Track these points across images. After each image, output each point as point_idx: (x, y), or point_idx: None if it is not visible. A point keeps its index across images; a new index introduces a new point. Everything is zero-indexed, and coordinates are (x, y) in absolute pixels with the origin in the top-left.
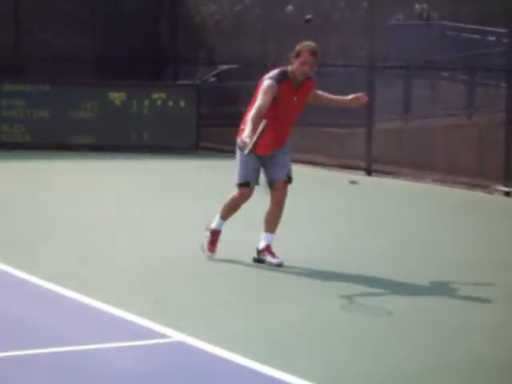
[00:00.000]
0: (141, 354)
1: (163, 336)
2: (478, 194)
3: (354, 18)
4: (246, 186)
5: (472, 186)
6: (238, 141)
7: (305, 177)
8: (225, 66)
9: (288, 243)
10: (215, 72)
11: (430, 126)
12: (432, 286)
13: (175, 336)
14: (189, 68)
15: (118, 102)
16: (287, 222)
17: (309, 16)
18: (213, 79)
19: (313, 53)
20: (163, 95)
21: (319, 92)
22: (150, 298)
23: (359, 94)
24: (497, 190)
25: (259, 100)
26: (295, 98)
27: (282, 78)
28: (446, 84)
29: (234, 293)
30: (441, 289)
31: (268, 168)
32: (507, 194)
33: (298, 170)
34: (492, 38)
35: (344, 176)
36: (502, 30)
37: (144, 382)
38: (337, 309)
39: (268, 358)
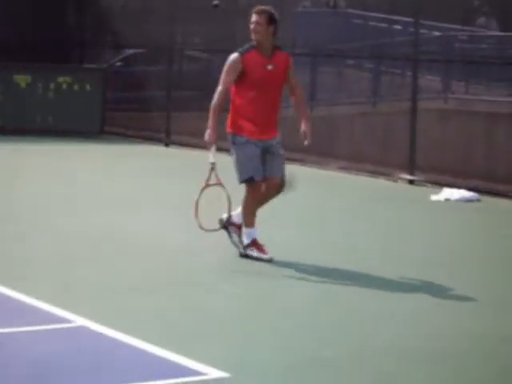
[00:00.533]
0: (42, 338)
1: (66, 321)
2: (383, 182)
3: (262, 4)
4: (252, 181)
5: (376, 174)
6: (233, 136)
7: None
8: (131, 51)
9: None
10: (122, 56)
11: (335, 114)
12: (340, 274)
13: (78, 321)
14: (95, 52)
15: (23, 85)
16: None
17: (216, 1)
18: (119, 63)
19: (257, 12)
20: (69, 79)
21: (293, 82)
22: (56, 284)
23: (304, 131)
24: (401, 179)
25: (219, 84)
26: (269, 67)
27: (246, 48)
28: (352, 72)
29: (145, 279)
30: (350, 276)
31: (265, 160)
32: (411, 182)
33: (202, 157)
34: (398, 27)
35: None
36: (409, 19)
37: (44, 365)
38: (246, 296)
39: (169, 343)
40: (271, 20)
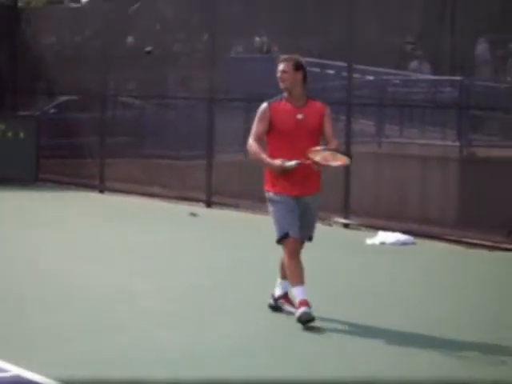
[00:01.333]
0: None
1: (1, 370)
2: (318, 226)
3: (195, 51)
4: (287, 237)
5: None
6: (268, 193)
7: (144, 209)
8: (65, 97)
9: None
10: (55, 103)
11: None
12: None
13: (13, 369)
14: (28, 99)
15: None
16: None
17: (149, 48)
18: (53, 110)
19: (283, 60)
20: (2, 126)
21: (329, 132)
22: None
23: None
24: (336, 222)
25: (250, 136)
26: (299, 116)
27: (276, 98)
28: None
29: (81, 326)
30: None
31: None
32: (346, 225)
33: (136, 202)
34: (331, 72)
35: (184, 208)
36: (342, 64)
37: None
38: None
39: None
40: (298, 66)
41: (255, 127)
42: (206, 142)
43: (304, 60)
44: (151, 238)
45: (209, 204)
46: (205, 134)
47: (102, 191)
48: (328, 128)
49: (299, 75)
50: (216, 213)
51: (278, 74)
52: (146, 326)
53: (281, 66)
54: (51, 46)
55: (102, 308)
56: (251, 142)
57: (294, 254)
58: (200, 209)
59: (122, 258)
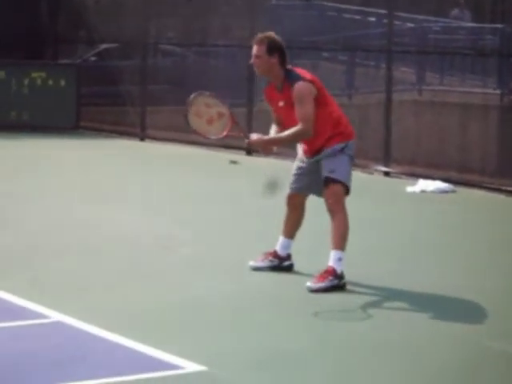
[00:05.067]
0: (18, 334)
1: (42, 316)
2: (359, 175)
3: None
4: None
5: (352, 166)
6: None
7: (185, 157)
8: (105, 45)
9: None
10: (95, 51)
11: None
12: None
13: (54, 316)
14: (69, 47)
15: None
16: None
17: None
18: (93, 58)
19: (256, 43)
20: (43, 74)
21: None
22: (28, 277)
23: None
24: (377, 171)
25: None
26: (281, 103)
27: (268, 81)
28: (327, 64)
29: (121, 273)
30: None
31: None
32: (387, 174)
33: (179, 150)
34: (372, 19)
35: (225, 156)
36: (382, 11)
37: (19, 360)
38: (210, 288)
39: (145, 338)
40: (272, 49)
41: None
42: (246, 90)
43: (279, 38)
44: (192, 186)
45: (249, 151)
46: (245, 81)
47: (142, 139)
48: (297, 111)
49: (274, 59)
50: (256, 160)
51: (252, 60)
52: (184, 274)
53: (253, 50)
54: None
55: (140, 255)
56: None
57: (289, 210)
58: (240, 156)
59: (162, 205)
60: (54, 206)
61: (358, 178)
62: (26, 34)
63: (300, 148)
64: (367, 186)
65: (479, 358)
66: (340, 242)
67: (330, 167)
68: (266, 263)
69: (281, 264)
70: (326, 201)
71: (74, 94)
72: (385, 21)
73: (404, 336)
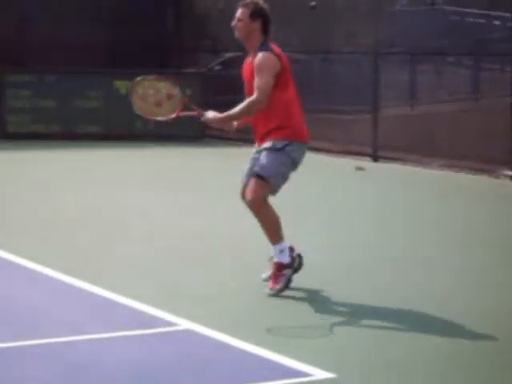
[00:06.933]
0: (149, 343)
1: (171, 324)
2: (485, 179)
3: (359, 4)
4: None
5: (478, 171)
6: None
7: (311, 164)
8: (229, 54)
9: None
10: (220, 60)
11: (435, 112)
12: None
13: (183, 324)
14: (193, 56)
15: (123, 91)
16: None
17: (313, 3)
18: (218, 67)
19: (241, 6)
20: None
21: (253, 86)
22: (160, 286)
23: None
24: (503, 175)
25: None
26: (248, 73)
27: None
28: (452, 69)
29: (244, 280)
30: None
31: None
32: None
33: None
34: (496, 23)
35: (350, 162)
36: (507, 15)
37: (153, 370)
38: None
39: (271, 345)
40: (255, 14)
41: None
42: (371, 96)
43: (265, 5)
44: (320, 192)
45: (375, 158)
46: (370, 88)
47: None
48: (255, 80)
49: (256, 24)
50: (383, 167)
51: (233, 22)
52: (312, 282)
53: (237, 13)
54: (215, 3)
55: None
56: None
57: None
58: (366, 163)
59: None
60: (187, 218)
61: (483, 182)
62: (151, 43)
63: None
64: (493, 191)
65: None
66: (273, 236)
67: (262, 162)
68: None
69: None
70: (245, 195)
71: (199, 102)
72: (509, 24)
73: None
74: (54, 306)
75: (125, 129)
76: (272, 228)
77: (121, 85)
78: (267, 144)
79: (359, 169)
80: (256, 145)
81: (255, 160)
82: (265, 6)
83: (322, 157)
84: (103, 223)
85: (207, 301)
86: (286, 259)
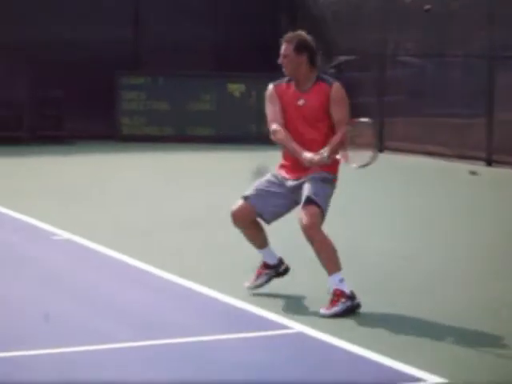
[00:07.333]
0: (263, 345)
1: (283, 327)
2: None
3: (474, 7)
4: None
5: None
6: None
7: (424, 168)
8: (344, 57)
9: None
10: (334, 63)
11: None
12: None
13: (296, 327)
14: None
15: (237, 94)
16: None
17: (428, 6)
18: (332, 70)
19: (285, 41)
20: (242, 86)
21: (336, 118)
22: (269, 289)
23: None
24: None
25: (269, 125)
26: (300, 102)
27: (283, 81)
28: None
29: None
30: None
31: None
32: None
33: (415, 161)
34: None
35: (464, 166)
36: None
37: (268, 372)
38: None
39: (383, 348)
40: (300, 48)
41: (269, 111)
42: (485, 100)
43: (309, 37)
44: (432, 198)
45: (489, 162)
46: (484, 92)
47: (381, 150)
48: (336, 112)
49: (303, 58)
50: (497, 171)
51: (279, 59)
52: (424, 285)
53: (282, 49)
54: (329, 6)
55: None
56: (274, 127)
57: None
58: (480, 167)
59: (388, 218)
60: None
61: None
62: (265, 45)
63: (282, 168)
64: None
65: None
66: (331, 266)
67: (315, 190)
68: (263, 278)
69: (277, 271)
70: (300, 221)
71: None
72: None
73: None
74: (167, 308)
75: (238, 131)
76: (331, 256)
77: (235, 88)
78: (319, 174)
79: (473, 173)
80: (286, 175)
81: (296, 188)
82: (309, 38)
83: (436, 161)
84: (213, 226)
85: (318, 305)
86: (346, 289)
